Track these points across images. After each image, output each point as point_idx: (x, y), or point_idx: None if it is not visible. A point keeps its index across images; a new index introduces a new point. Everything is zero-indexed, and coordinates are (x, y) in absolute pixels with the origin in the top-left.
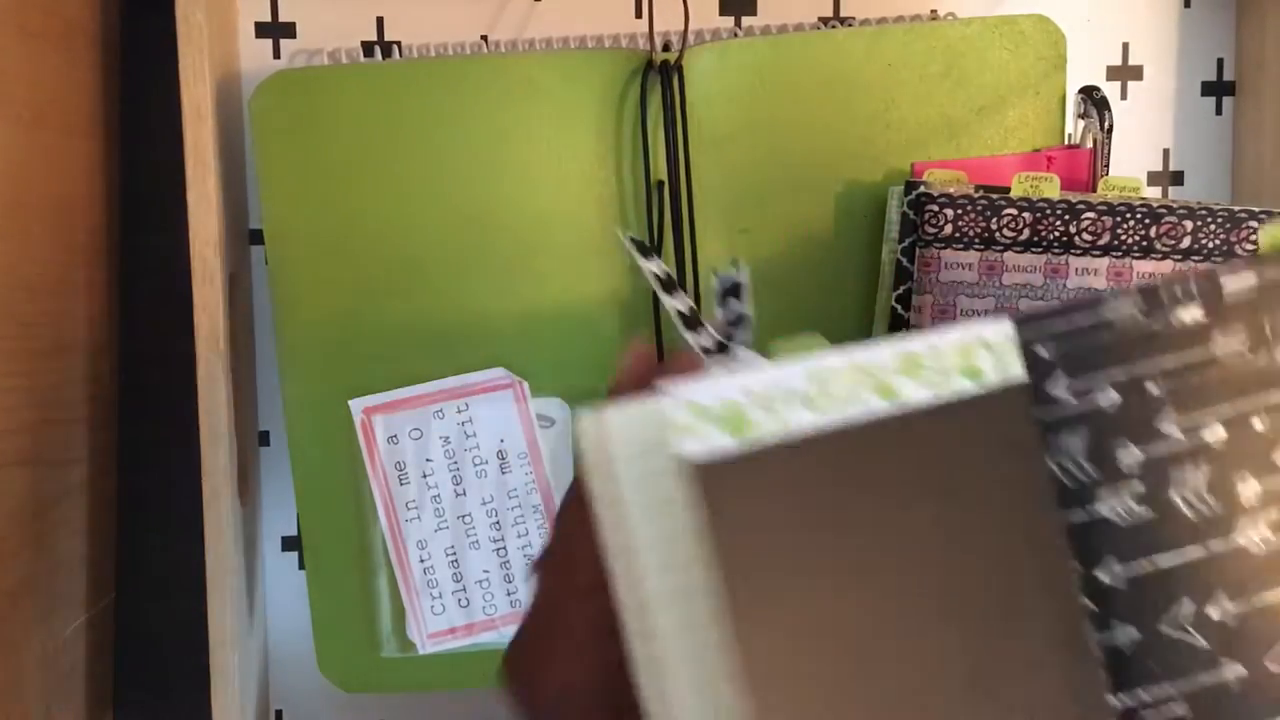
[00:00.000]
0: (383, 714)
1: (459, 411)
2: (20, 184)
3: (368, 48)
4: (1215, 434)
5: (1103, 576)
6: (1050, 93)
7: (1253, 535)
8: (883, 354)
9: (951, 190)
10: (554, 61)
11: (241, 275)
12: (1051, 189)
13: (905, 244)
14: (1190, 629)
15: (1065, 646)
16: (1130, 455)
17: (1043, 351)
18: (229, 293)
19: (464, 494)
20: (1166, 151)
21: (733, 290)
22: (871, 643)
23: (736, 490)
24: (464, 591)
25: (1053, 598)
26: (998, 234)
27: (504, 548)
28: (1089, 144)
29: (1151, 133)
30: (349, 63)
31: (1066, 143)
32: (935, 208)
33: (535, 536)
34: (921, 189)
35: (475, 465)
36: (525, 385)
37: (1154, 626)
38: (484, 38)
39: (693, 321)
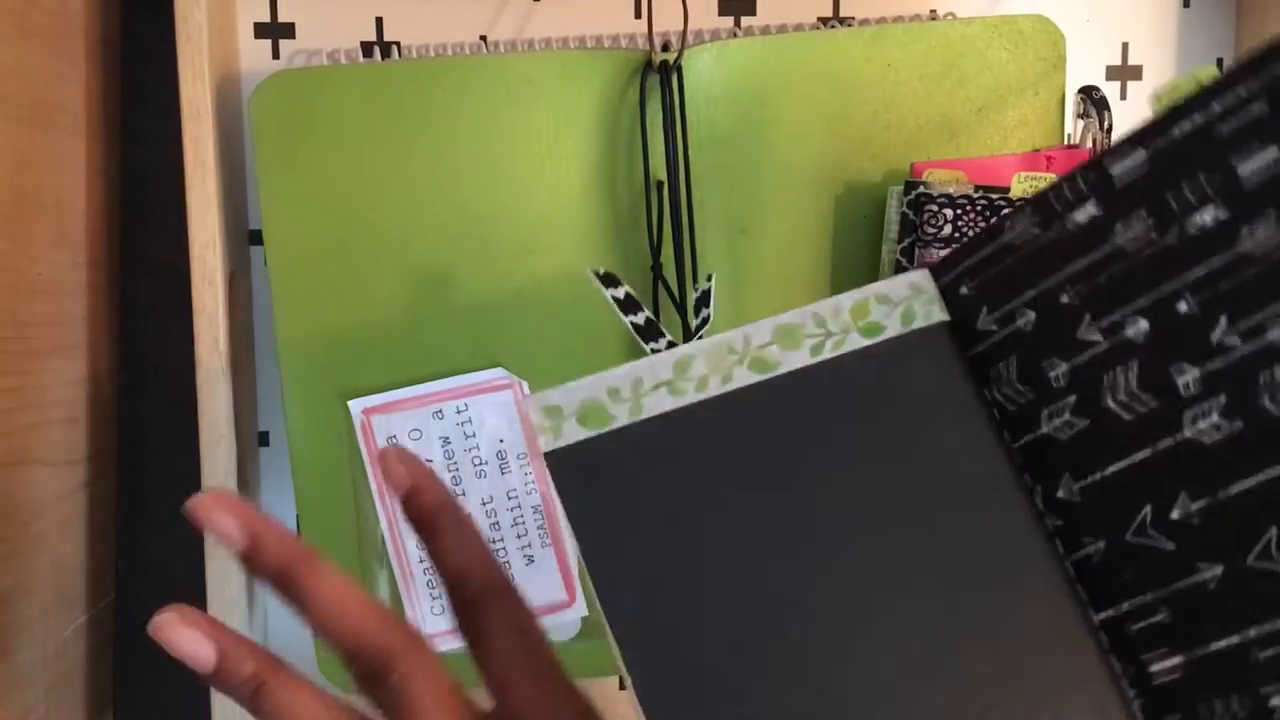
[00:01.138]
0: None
1: (459, 412)
2: (20, 184)
3: (367, 48)
4: (1138, 329)
5: (1062, 494)
6: (1050, 93)
7: (1201, 425)
8: (756, 330)
9: (951, 190)
10: (554, 61)
11: (241, 275)
12: None
13: (905, 244)
14: (1154, 534)
15: (1025, 565)
16: (1058, 369)
17: (965, 290)
18: (229, 293)
19: (463, 494)
20: None
21: (702, 299)
22: (762, 595)
23: (586, 473)
24: None
25: (1005, 524)
26: None
27: (504, 548)
28: (1089, 144)
29: None
30: (348, 63)
31: (1066, 143)
32: (935, 208)
33: (535, 537)
34: (921, 189)
35: (475, 465)
36: (525, 385)
37: (1120, 536)
38: (483, 38)
39: (650, 333)
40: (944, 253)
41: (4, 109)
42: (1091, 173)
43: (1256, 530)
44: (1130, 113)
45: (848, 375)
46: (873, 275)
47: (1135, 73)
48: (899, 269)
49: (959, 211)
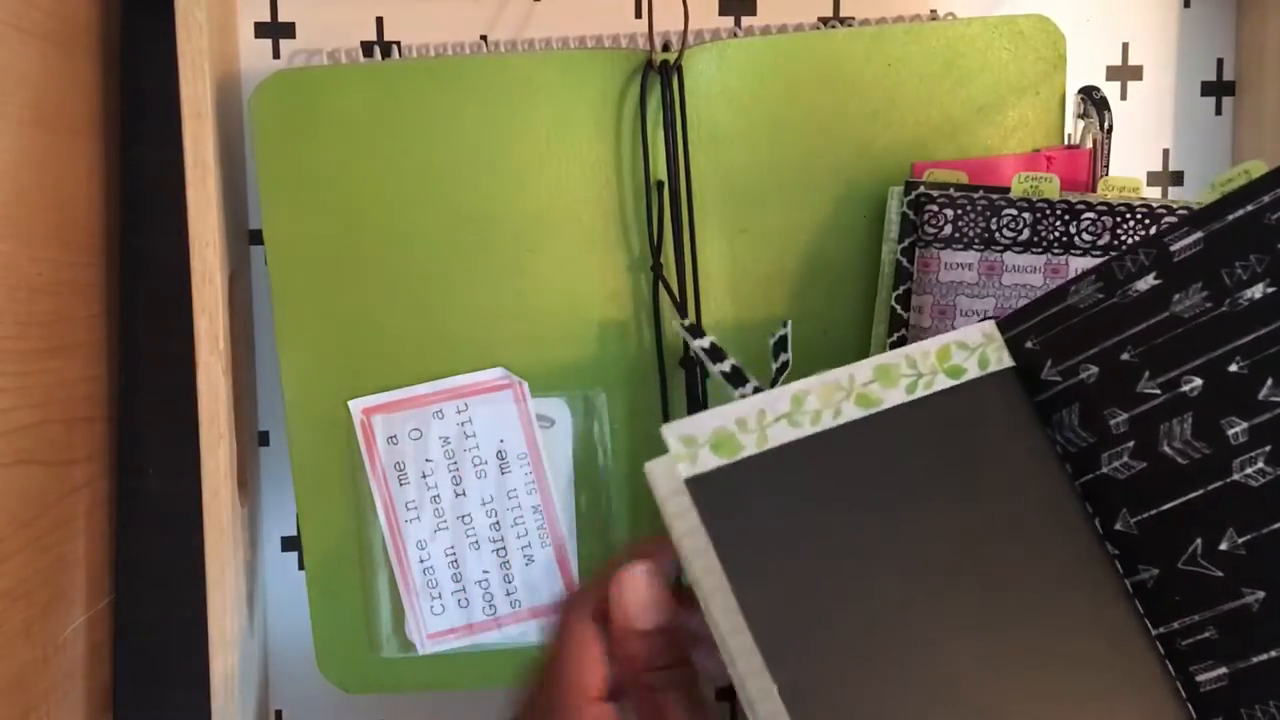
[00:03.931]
0: (383, 714)
1: (458, 412)
2: (20, 184)
3: (367, 48)
4: (1193, 385)
5: (1119, 526)
6: (1050, 93)
7: (1249, 470)
8: (859, 369)
9: (951, 190)
10: (554, 61)
11: (241, 275)
12: (1051, 189)
13: (905, 244)
14: (1204, 563)
15: (1088, 585)
16: (1119, 418)
17: (1030, 344)
18: (229, 293)
19: (464, 494)
20: (1166, 151)
21: (780, 343)
22: (872, 597)
23: (723, 496)
24: (463, 592)
25: (1071, 545)
26: (998, 234)
27: (503, 548)
28: (1089, 144)
29: (1151, 133)
30: (348, 63)
31: (1066, 143)
32: (935, 208)
33: (534, 537)
34: (921, 189)
35: (475, 465)
36: (525, 385)
37: (1172, 564)
38: (483, 37)
39: (737, 379)
40: (944, 253)
41: (4, 109)
42: (1153, 249)
43: None
44: (1130, 113)
45: (937, 412)
46: (873, 275)
47: (1135, 73)
48: (899, 269)
49: (959, 212)
